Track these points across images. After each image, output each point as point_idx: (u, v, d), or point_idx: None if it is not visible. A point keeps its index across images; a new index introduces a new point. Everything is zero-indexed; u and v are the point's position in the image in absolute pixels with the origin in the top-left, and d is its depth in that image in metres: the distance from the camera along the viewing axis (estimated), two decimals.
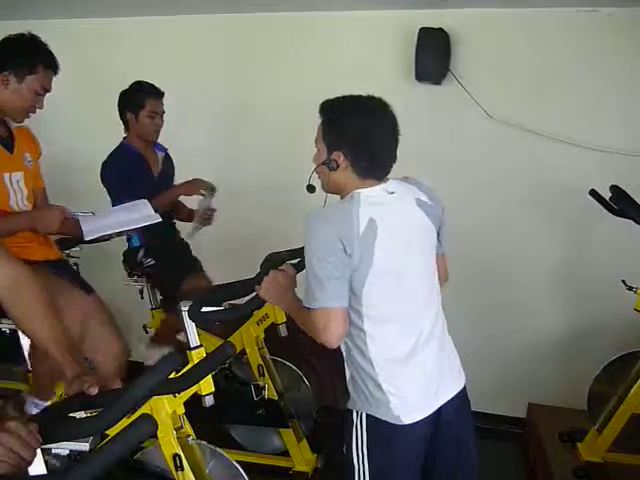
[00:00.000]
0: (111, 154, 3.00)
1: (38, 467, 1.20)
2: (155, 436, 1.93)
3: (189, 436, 2.12)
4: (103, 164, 2.96)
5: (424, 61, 3.26)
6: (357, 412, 1.77)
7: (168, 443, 2.00)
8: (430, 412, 1.76)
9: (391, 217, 1.72)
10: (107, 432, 1.32)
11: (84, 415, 1.36)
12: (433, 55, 3.26)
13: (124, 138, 3.08)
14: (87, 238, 2.36)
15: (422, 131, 3.28)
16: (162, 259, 3.06)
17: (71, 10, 3.69)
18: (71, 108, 3.67)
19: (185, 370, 1.58)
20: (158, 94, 3.02)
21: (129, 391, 1.19)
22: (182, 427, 2.11)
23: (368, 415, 1.75)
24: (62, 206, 2.33)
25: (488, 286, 3.49)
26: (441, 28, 3.26)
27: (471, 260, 3.40)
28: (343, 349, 1.80)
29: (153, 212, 2.53)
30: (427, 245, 1.83)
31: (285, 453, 2.90)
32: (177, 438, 2.04)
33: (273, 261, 2.11)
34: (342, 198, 1.79)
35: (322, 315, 1.67)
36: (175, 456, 2.00)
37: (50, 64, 2.29)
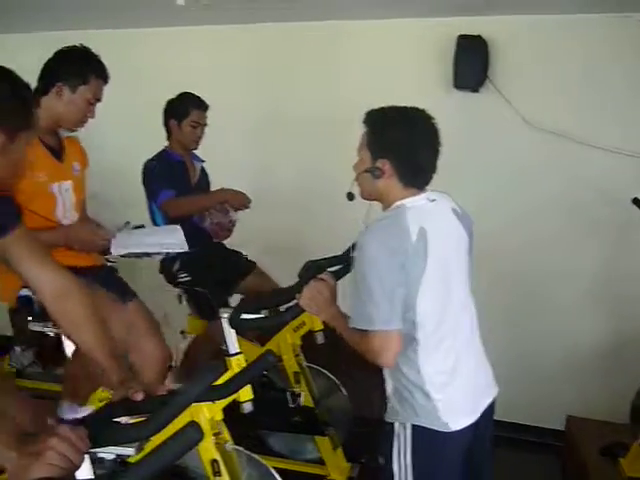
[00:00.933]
0: (155, 156, 3.09)
1: (85, 471, 1.22)
2: None
3: (227, 442, 2.13)
4: (145, 163, 3.04)
5: (462, 69, 3.27)
6: (400, 423, 1.78)
7: (207, 449, 2.01)
8: (476, 417, 1.79)
9: (436, 225, 1.76)
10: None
11: (129, 420, 1.38)
12: (471, 63, 3.26)
13: (165, 146, 3.16)
14: (114, 254, 2.39)
15: (460, 139, 3.25)
16: (198, 274, 3.06)
17: (112, 21, 3.76)
18: (109, 119, 3.74)
19: (227, 377, 1.60)
20: (203, 106, 3.12)
21: (175, 398, 1.20)
22: (220, 433, 2.12)
23: (414, 425, 1.75)
24: (99, 227, 2.38)
25: (527, 295, 3.44)
26: (479, 35, 3.25)
27: (509, 269, 3.38)
28: None
29: (184, 240, 2.53)
30: (464, 252, 1.88)
31: (320, 461, 2.90)
32: (215, 444, 2.05)
33: (312, 269, 2.12)
34: (384, 206, 1.83)
35: (379, 338, 1.69)
36: (213, 462, 2.01)
37: (101, 74, 2.35)
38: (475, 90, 3.31)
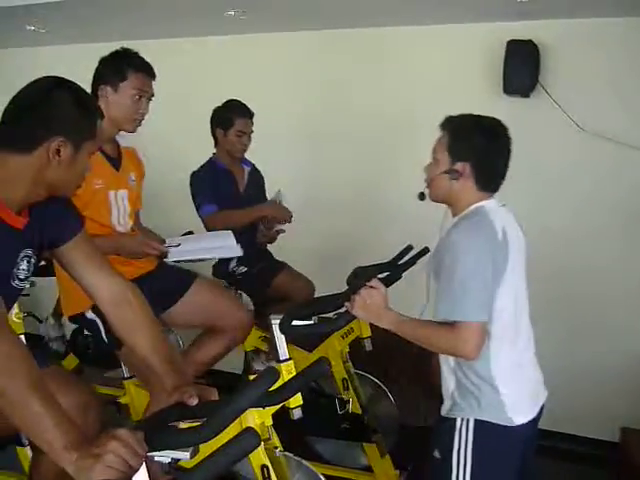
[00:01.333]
0: (201, 166, 3.14)
1: (142, 475, 1.24)
2: None
3: (277, 448, 2.13)
4: (192, 173, 3.09)
5: (512, 74, 3.23)
6: (462, 419, 1.83)
7: (257, 454, 2.01)
8: (534, 415, 1.86)
9: (510, 226, 1.87)
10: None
11: (184, 425, 1.40)
12: (522, 67, 3.22)
13: (213, 154, 3.21)
14: (171, 260, 2.44)
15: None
16: (253, 266, 3.13)
17: (163, 30, 3.85)
18: (162, 125, 3.82)
19: (280, 383, 1.60)
20: (247, 114, 3.13)
21: (232, 403, 1.21)
22: (270, 439, 2.12)
23: (477, 420, 1.81)
24: (150, 237, 2.44)
25: (579, 302, 3.36)
26: (530, 40, 3.20)
27: (563, 276, 3.31)
28: (452, 357, 1.86)
29: (236, 244, 2.58)
30: (525, 253, 1.95)
31: (368, 468, 2.88)
32: (265, 449, 2.06)
33: (361, 276, 2.13)
34: (455, 208, 1.93)
35: (466, 328, 1.74)
36: (263, 467, 2.01)
37: (140, 67, 2.33)
38: (525, 95, 3.27)
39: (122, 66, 2.31)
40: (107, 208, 2.37)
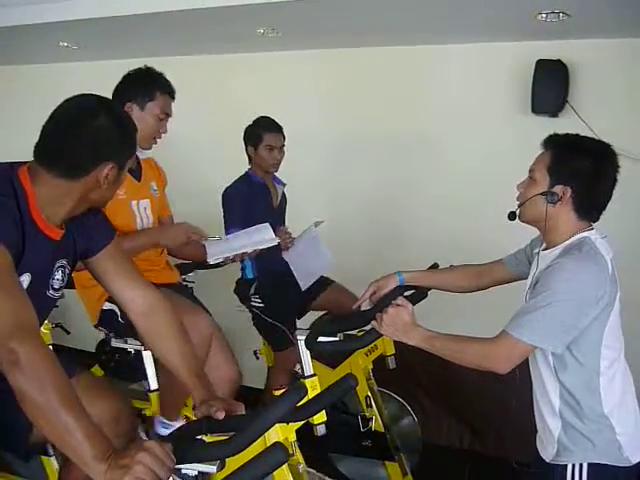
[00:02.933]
0: (236, 181, 3.14)
1: None
2: None
3: (300, 464, 2.13)
4: (226, 189, 3.09)
5: (541, 93, 3.21)
6: (573, 464, 1.73)
7: (281, 470, 1.98)
8: None
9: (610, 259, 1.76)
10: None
11: (211, 438, 1.41)
12: (550, 87, 3.20)
13: (249, 169, 3.21)
14: (211, 261, 2.48)
15: None
16: (271, 303, 3.08)
17: (193, 48, 3.91)
18: (191, 140, 3.87)
19: (307, 399, 1.60)
20: (275, 128, 3.13)
21: (260, 418, 1.22)
22: (293, 454, 2.12)
23: (591, 464, 1.70)
24: (187, 223, 2.47)
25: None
26: (559, 59, 3.20)
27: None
28: (556, 398, 1.77)
29: (274, 235, 2.62)
30: None
31: None
32: (288, 465, 2.05)
33: (388, 295, 2.13)
34: (551, 236, 1.81)
35: (510, 342, 1.68)
36: None
37: (166, 89, 2.45)
38: (554, 115, 3.26)
39: (151, 86, 2.41)
40: (132, 218, 2.43)
